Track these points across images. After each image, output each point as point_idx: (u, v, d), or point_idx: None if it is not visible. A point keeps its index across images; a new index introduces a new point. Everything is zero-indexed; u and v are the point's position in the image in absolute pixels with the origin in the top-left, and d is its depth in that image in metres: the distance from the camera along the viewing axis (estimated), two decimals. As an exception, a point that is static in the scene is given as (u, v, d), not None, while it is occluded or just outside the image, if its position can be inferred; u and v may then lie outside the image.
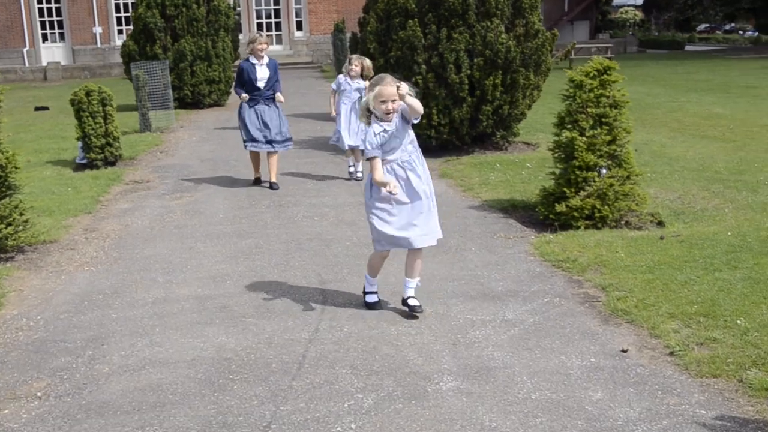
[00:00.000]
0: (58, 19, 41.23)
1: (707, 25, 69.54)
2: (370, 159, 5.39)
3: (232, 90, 16.76)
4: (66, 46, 41.58)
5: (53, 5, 40.97)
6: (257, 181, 10.89)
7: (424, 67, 11.93)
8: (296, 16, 41.81)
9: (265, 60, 10.28)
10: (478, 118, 12.05)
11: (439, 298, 6.05)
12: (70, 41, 41.42)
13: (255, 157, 10.86)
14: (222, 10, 21.31)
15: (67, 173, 12.18)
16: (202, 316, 5.81)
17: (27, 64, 40.19)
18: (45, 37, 41.56)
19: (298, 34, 41.58)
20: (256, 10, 41.29)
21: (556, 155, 8.25)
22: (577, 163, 7.90)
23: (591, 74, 8.03)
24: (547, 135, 13.83)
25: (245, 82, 10.22)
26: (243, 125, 10.39)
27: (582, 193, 7.92)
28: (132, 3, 32.89)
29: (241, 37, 38.18)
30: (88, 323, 5.73)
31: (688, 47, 48.38)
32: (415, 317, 5.67)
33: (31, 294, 6.44)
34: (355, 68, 10.61)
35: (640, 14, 67.86)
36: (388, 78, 5.34)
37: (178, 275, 6.83)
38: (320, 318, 5.70)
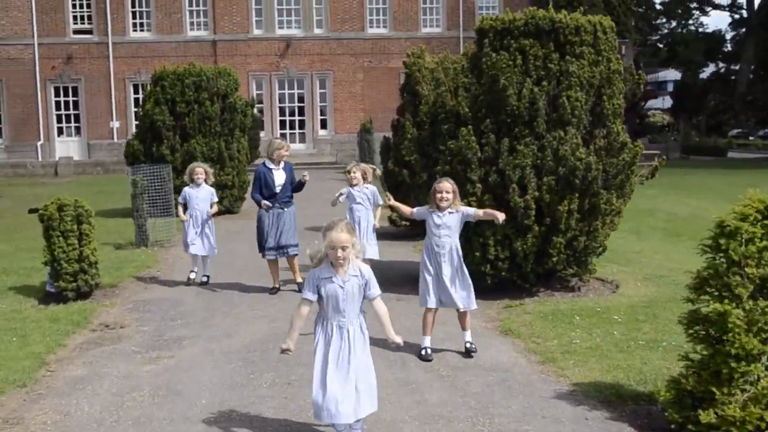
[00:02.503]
0: (75, 112, 39.85)
1: (740, 130, 67.44)
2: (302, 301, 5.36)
3: (247, 196, 15.94)
4: (81, 140, 40.10)
5: (71, 98, 39.59)
6: (275, 291, 10.46)
7: (479, 186, 9.44)
8: (321, 114, 40.14)
9: (281, 164, 10.33)
10: (547, 252, 9.47)
11: None
12: (86, 135, 39.89)
13: (273, 266, 10.55)
14: (238, 108, 19.16)
15: (25, 308, 9.67)
16: None
17: (40, 159, 38.56)
18: (60, 131, 40.10)
19: (322, 132, 39.83)
20: (280, 107, 39.63)
21: (693, 333, 5.60)
22: (732, 350, 5.25)
23: (751, 217, 5.45)
24: (623, 267, 11.19)
25: (263, 187, 10.25)
26: (260, 233, 10.39)
27: (741, 396, 5.25)
28: (148, 98, 31.18)
29: (262, 135, 36.52)
30: None
31: (730, 154, 46.12)
32: None
33: None
34: (356, 177, 10.54)
35: (668, 118, 66.08)
36: (342, 224, 5.23)
37: None
38: None
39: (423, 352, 7.54)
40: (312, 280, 5.25)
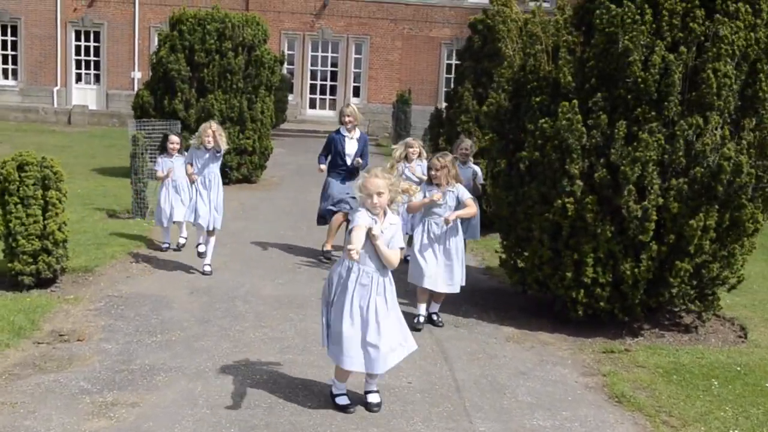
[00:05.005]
0: (95, 59, 37.47)
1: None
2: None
3: (269, 164, 16.41)
4: (100, 89, 37.76)
5: (92, 44, 37.23)
6: (327, 255, 9.83)
7: (579, 183, 6.92)
8: (354, 81, 37.55)
9: (356, 134, 9.90)
10: (666, 280, 6.95)
11: None
12: (105, 84, 37.59)
13: (333, 223, 9.76)
14: (266, 63, 16.60)
15: (-37, 296, 7.30)
16: None
17: (56, 105, 36.32)
18: (78, 78, 37.78)
19: (354, 100, 37.16)
20: (311, 70, 37.07)
21: None
22: None
23: None
24: (739, 299, 8.62)
25: (332, 153, 9.86)
26: (324, 197, 9.88)
27: None
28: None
29: (290, 98, 34.01)
30: None
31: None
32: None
33: None
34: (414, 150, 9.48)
35: None
36: (377, 169, 5.19)
37: None
38: None
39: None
40: (364, 213, 5.10)
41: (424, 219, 7.28)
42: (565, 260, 7.08)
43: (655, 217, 6.74)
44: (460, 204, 7.20)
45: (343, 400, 5.26)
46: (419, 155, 9.54)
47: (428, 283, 7.15)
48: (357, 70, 37.55)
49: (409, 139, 9.86)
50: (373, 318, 5.03)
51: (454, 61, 37.30)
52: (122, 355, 6.01)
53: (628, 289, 6.98)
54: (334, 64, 37.32)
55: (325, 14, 37.16)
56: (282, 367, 5.93)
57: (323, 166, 9.98)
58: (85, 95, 37.35)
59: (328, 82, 37.24)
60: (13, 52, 36.93)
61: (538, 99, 7.30)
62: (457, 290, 7.33)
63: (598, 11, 7.08)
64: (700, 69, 6.80)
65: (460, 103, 12.06)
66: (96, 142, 25.63)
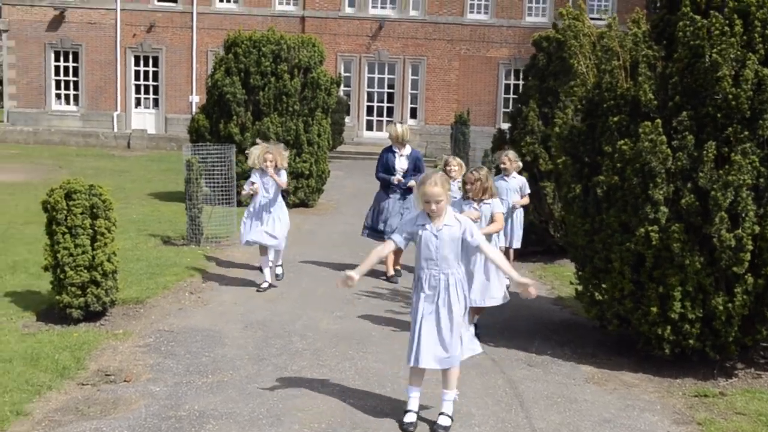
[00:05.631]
0: (154, 84, 37.82)
1: None
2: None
3: (326, 188, 16.72)
4: (159, 113, 38.10)
5: (150, 68, 37.58)
6: (390, 279, 9.97)
7: (664, 209, 6.33)
8: (411, 103, 37.18)
9: (406, 150, 10.12)
10: (763, 315, 6.30)
11: None
12: (163, 108, 37.90)
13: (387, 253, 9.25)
14: (322, 85, 16.26)
15: (9, 329, 6.98)
16: None
17: (116, 129, 36.70)
18: (138, 102, 38.17)
19: (411, 122, 36.76)
20: (368, 92, 36.82)
21: None
22: None
23: None
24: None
25: (384, 169, 10.12)
26: (372, 210, 10.27)
27: None
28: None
29: (347, 120, 33.76)
30: None
31: None
32: None
33: None
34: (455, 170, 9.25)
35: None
36: (436, 176, 5.19)
37: None
38: None
39: None
40: (404, 225, 5.42)
41: None
42: (650, 294, 6.48)
43: (750, 247, 6.11)
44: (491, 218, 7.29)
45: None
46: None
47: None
48: (414, 92, 37.24)
49: (447, 157, 9.75)
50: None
51: (512, 81, 36.74)
52: (170, 399, 5.58)
53: (721, 326, 6.34)
54: (390, 86, 37.06)
55: (381, 36, 36.95)
56: (343, 413, 5.44)
57: (397, 177, 9.97)
58: (144, 120, 37.71)
59: (385, 104, 36.98)
60: (75, 78, 37.47)
61: (615, 119, 6.74)
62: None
63: (681, 23, 6.51)
64: (798, 83, 6.18)
65: (525, 124, 11.51)
66: (153, 166, 25.67)
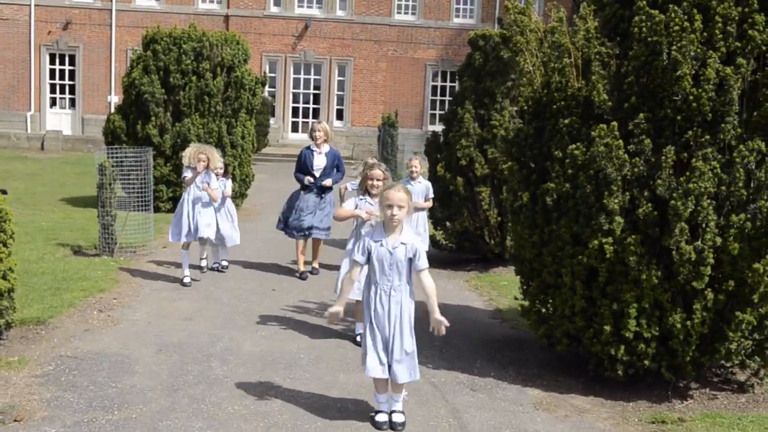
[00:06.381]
0: (70, 83, 36.34)
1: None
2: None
3: (249, 192, 16.42)
4: (75, 114, 36.64)
5: (66, 67, 36.10)
6: (302, 277, 10.14)
7: (619, 220, 5.83)
8: (337, 104, 36.55)
9: (325, 149, 10.22)
10: (723, 334, 5.84)
11: None
12: (80, 109, 36.44)
13: (301, 246, 10.26)
14: (246, 85, 15.48)
15: None
16: None
17: (29, 130, 35.10)
18: (53, 102, 36.61)
19: (337, 123, 36.17)
20: (294, 93, 36.05)
21: None
22: None
23: None
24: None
25: (302, 168, 10.22)
26: (288, 209, 10.34)
27: None
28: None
29: (272, 121, 32.91)
30: None
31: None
32: None
33: None
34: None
35: None
36: (399, 185, 5.30)
37: None
38: None
39: None
40: (363, 241, 5.26)
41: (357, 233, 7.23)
42: (603, 311, 5.97)
43: (711, 260, 5.65)
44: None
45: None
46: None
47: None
48: (340, 93, 36.67)
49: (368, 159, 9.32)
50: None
51: (439, 83, 36.44)
52: (66, 444, 4.81)
53: (678, 345, 5.87)
54: (316, 87, 36.45)
55: (307, 36, 36.28)
56: (267, 455, 4.76)
57: (308, 177, 10.10)
58: (60, 120, 36.23)
59: (311, 105, 36.31)
60: (-16, 77, 35.78)
61: (566, 121, 6.21)
62: None
63: (637, 18, 6.01)
64: (761, 84, 5.75)
65: (460, 126, 10.97)
66: (68, 169, 24.45)
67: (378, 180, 7.03)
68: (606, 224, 5.86)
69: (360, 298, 6.48)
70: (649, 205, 5.77)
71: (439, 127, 12.47)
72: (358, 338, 7.09)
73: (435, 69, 36.35)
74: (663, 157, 5.72)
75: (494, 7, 37.29)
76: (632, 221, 5.88)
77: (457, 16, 37.27)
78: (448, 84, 36.40)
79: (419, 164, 10.43)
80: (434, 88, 36.61)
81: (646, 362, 5.97)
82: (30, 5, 35.38)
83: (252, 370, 6.36)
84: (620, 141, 5.77)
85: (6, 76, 35.90)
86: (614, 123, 5.80)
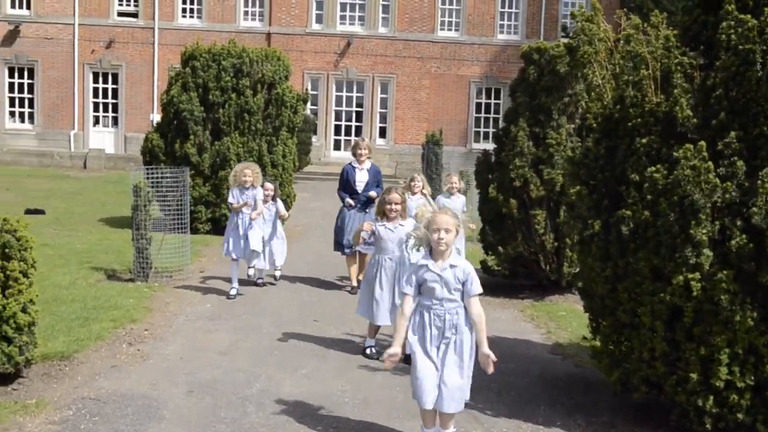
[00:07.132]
0: (113, 101, 36.37)
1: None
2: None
3: (291, 213, 15.29)
4: (118, 132, 36.65)
5: (110, 86, 36.13)
6: (352, 291, 10.07)
7: (708, 252, 5.11)
8: (380, 122, 36.04)
9: (366, 165, 10.49)
10: (830, 385, 5.09)
11: None
12: (123, 127, 36.44)
13: (351, 262, 10.39)
14: (287, 102, 14.97)
15: None
16: None
17: (72, 149, 35.14)
18: (96, 121, 36.66)
19: (380, 141, 35.66)
20: (336, 111, 35.64)
21: None
22: None
23: None
24: None
25: (345, 185, 10.52)
26: (339, 229, 10.48)
27: None
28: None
29: (314, 139, 32.48)
30: None
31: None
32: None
33: None
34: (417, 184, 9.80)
35: None
36: (446, 208, 5.51)
37: None
38: None
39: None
40: (410, 272, 5.12)
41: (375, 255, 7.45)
42: (688, 356, 5.25)
43: (817, 301, 4.91)
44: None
45: None
46: (422, 189, 9.82)
47: (381, 319, 7.21)
48: (383, 110, 36.19)
49: (415, 175, 10.23)
50: None
51: (483, 100, 35.76)
52: None
53: (779, 396, 5.13)
54: (359, 104, 36.00)
55: (349, 53, 35.91)
56: None
57: (350, 200, 10.43)
58: (102, 139, 36.27)
59: (353, 123, 35.83)
60: (30, 95, 35.94)
61: (644, 140, 5.52)
62: None
63: (725, 24, 5.32)
64: None
65: (513, 145, 10.29)
66: (110, 188, 24.24)
67: (396, 204, 7.20)
68: (693, 258, 5.14)
69: (386, 323, 7.06)
70: (743, 236, 5.04)
71: (483, 145, 11.99)
72: (368, 351, 7.36)
73: (479, 86, 35.70)
74: (759, 181, 5.01)
75: (539, 22, 36.66)
76: (723, 254, 5.15)
77: (501, 33, 36.61)
78: (492, 101, 35.76)
79: (458, 180, 11.26)
80: (478, 105, 35.95)
81: (740, 415, 5.23)
82: (74, 24, 35.52)
83: (292, 417, 5.73)
84: (709, 163, 5.06)
85: (50, 95, 36.05)
86: (702, 143, 5.09)
